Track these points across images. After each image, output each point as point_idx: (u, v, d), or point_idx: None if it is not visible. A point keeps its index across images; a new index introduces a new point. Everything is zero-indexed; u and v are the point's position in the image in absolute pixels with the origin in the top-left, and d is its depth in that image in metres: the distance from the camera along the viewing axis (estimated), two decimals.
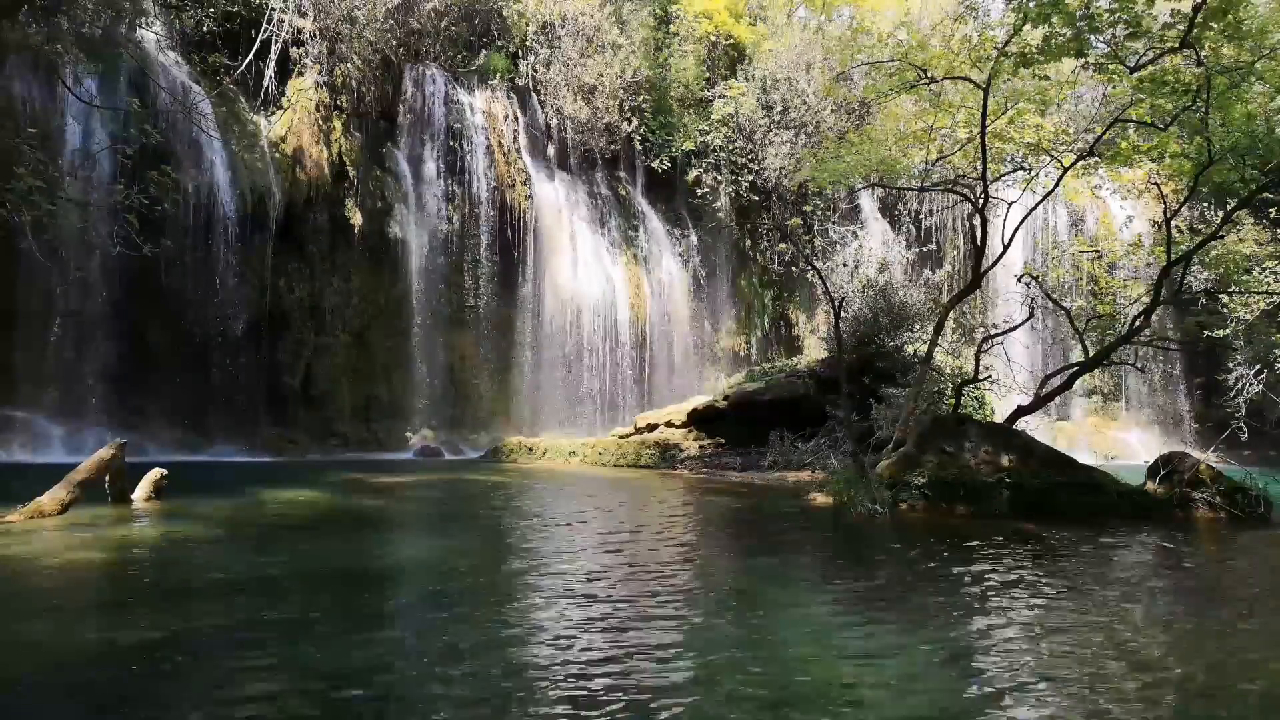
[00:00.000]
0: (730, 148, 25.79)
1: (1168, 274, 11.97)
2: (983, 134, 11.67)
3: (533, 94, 24.02)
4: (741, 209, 26.46)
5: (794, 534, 8.82)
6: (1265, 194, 12.98)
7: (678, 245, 26.02)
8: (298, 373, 19.40)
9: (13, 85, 15.30)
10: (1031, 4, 10.00)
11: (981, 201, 12.51)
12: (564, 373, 22.87)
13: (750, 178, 25.87)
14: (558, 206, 23.55)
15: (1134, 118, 11.63)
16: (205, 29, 18.62)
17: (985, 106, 11.37)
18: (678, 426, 18.22)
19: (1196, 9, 9.62)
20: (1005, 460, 10.27)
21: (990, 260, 14.43)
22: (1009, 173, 13.64)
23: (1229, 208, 12.25)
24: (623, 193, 25.65)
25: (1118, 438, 25.37)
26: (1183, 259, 12.03)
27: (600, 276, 23.68)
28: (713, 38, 26.68)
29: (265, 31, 19.14)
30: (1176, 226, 13.11)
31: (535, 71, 23.87)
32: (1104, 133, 12.06)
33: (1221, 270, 15.51)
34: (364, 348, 20.57)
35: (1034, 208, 14.07)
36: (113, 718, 3.35)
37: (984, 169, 12.05)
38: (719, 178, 25.82)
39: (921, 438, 10.91)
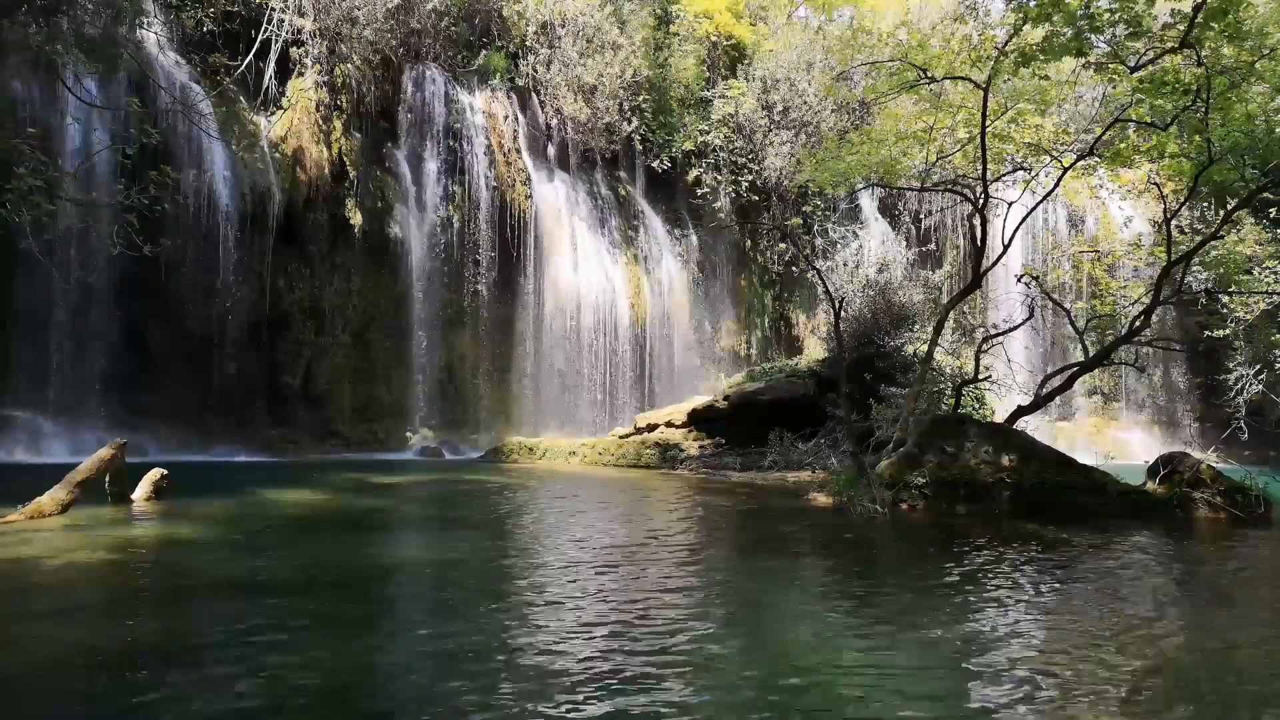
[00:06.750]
0: (730, 148, 25.79)
1: (1168, 274, 11.98)
2: (983, 134, 11.67)
3: (533, 94, 24.01)
4: (741, 209, 26.46)
5: (794, 534, 8.82)
6: (1265, 194, 12.98)
7: (678, 245, 26.01)
8: (298, 373, 19.39)
9: (13, 85, 15.30)
10: (1032, 3, 10.01)
11: (981, 201, 12.51)
12: (564, 373, 22.86)
13: (750, 178, 25.87)
14: (558, 206, 23.55)
15: (1134, 118, 11.63)
16: (205, 29, 18.62)
17: (985, 106, 11.37)
18: (678, 426, 18.23)
19: (1196, 9, 9.62)
20: (1005, 460, 10.27)
21: (990, 260, 14.43)
22: (1009, 173, 13.64)
23: (1229, 208, 12.24)
24: (623, 193, 25.63)
25: (1118, 438, 25.35)
26: (1183, 259, 12.04)
27: (600, 276, 23.66)
28: (713, 38, 26.67)
29: (265, 31, 19.14)
30: (1176, 226, 13.12)
31: (535, 71, 23.86)
32: (1104, 133, 12.06)
33: (1221, 270, 15.51)
34: (364, 348, 20.56)
35: (1034, 208, 14.07)
36: (113, 718, 3.35)
37: (984, 169, 12.05)
38: (719, 178, 25.80)
39: (921, 438, 10.91)
